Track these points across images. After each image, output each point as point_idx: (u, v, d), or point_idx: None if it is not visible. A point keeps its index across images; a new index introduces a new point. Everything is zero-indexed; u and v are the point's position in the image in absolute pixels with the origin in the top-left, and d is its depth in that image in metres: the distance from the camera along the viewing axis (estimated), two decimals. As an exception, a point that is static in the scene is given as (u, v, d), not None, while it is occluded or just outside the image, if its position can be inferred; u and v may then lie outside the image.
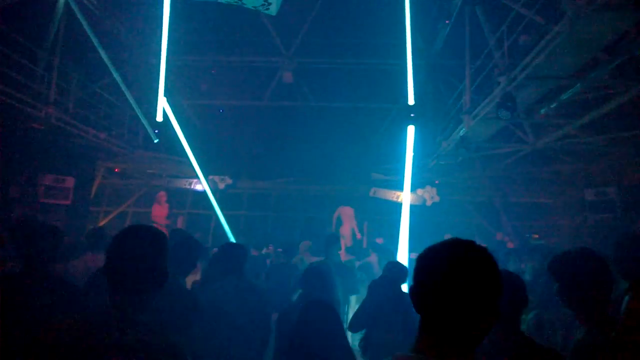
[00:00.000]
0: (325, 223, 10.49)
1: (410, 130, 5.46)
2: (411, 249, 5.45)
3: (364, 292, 4.02)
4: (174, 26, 6.83)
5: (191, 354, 1.43)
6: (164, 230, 3.38)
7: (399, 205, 5.81)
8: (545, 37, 4.84)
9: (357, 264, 6.37)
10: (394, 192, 10.69)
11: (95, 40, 7.51)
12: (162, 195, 10.64)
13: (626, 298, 1.31)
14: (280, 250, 6.25)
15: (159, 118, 6.82)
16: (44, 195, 8.12)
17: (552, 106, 6.67)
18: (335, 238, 5.58)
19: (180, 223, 11.45)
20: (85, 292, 2.58)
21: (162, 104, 6.78)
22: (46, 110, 7.25)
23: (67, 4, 7.52)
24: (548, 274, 1.94)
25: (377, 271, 5.59)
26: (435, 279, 0.95)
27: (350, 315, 3.94)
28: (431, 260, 0.99)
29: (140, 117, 8.41)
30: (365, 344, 3.45)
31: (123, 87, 8.15)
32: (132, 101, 8.33)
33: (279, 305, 3.23)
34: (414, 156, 5.55)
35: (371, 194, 11.08)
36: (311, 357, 2.25)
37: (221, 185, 11.02)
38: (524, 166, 9.63)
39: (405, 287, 3.88)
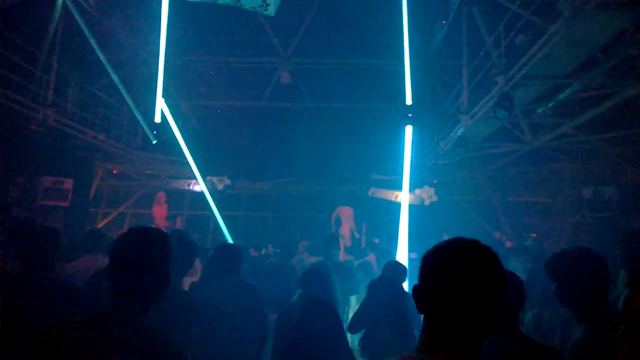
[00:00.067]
0: (324, 223, 10.51)
1: (408, 130, 5.48)
2: (410, 249, 5.47)
3: (363, 292, 4.03)
4: (172, 27, 6.84)
5: (190, 354, 1.44)
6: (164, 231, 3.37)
7: (397, 205, 5.83)
8: (542, 37, 4.85)
9: (356, 263, 6.39)
10: (392, 192, 10.71)
11: (93, 42, 7.51)
12: (162, 195, 10.67)
13: (625, 293, 1.31)
14: (277, 250, 6.26)
15: (157, 119, 6.83)
16: (43, 197, 8.11)
17: (549, 105, 6.70)
18: (335, 239, 5.59)
19: (179, 224, 11.47)
20: (84, 293, 2.58)
21: (161, 105, 6.79)
22: (44, 111, 7.24)
23: (65, 5, 7.51)
24: (545, 274, 1.94)
25: (376, 271, 5.61)
26: (440, 279, 0.95)
27: (350, 315, 3.94)
28: (436, 260, 0.98)
29: (138, 118, 8.41)
30: (364, 343, 3.45)
31: (121, 89, 8.15)
32: (130, 102, 8.33)
33: (277, 306, 3.23)
34: (412, 156, 5.58)
35: (370, 194, 11.09)
36: (310, 356, 2.25)
37: (220, 186, 11.03)
38: (521, 165, 9.64)
39: (405, 287, 3.90)
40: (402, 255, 5.30)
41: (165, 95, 6.96)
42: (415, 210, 8.51)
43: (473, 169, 10.05)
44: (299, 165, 11.09)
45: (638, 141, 7.30)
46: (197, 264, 3.80)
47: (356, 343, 3.58)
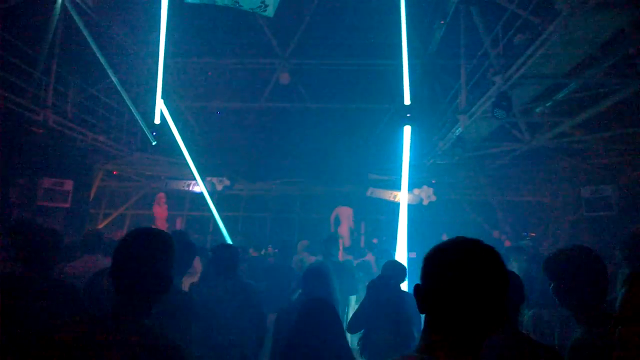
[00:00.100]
0: (323, 223, 10.53)
1: (407, 130, 5.49)
2: (409, 249, 5.48)
3: (363, 292, 4.02)
4: (171, 28, 6.85)
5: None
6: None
7: (396, 205, 5.85)
8: (540, 37, 4.86)
9: (355, 262, 6.41)
10: (390, 192, 10.73)
11: (93, 44, 7.54)
12: (162, 196, 10.71)
13: (622, 291, 1.29)
14: (276, 251, 6.28)
15: (157, 120, 6.85)
16: (43, 198, 8.13)
17: (547, 105, 6.71)
18: (335, 239, 5.60)
19: (179, 224, 11.50)
20: (84, 293, 2.59)
21: (160, 107, 6.81)
22: (45, 113, 7.26)
23: (64, 8, 7.53)
24: (544, 273, 1.92)
25: (375, 271, 5.62)
26: (444, 279, 0.94)
27: (350, 315, 3.94)
28: (439, 260, 0.98)
29: (138, 119, 8.43)
30: (363, 343, 3.45)
31: (121, 90, 8.17)
32: (130, 104, 8.36)
33: (276, 306, 3.24)
34: (410, 156, 5.58)
35: (368, 194, 11.12)
36: (310, 355, 2.24)
37: (219, 187, 11.06)
38: (520, 165, 9.64)
39: (404, 286, 3.89)
40: (402, 255, 5.30)
41: (164, 96, 6.98)
42: (414, 210, 8.52)
43: (471, 168, 10.06)
44: (298, 166, 11.11)
45: (636, 140, 7.31)
46: (198, 264, 3.82)
47: (355, 343, 3.58)
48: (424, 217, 9.79)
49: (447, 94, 8.94)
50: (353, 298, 5.37)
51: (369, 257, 6.59)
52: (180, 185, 11.62)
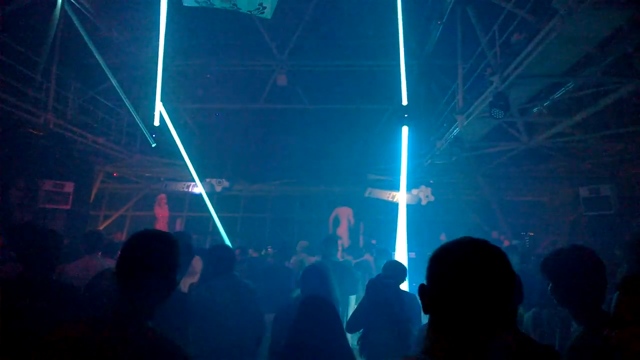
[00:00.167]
0: (322, 224, 10.55)
1: (405, 130, 5.51)
2: (408, 249, 5.49)
3: (362, 292, 4.03)
4: (170, 31, 6.88)
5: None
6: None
7: (394, 205, 5.86)
8: (537, 36, 4.85)
9: (354, 262, 6.42)
10: (389, 192, 10.75)
11: (92, 47, 7.56)
12: (163, 197, 10.75)
13: (616, 295, 1.30)
14: (275, 251, 6.29)
15: (157, 122, 6.88)
16: (44, 200, 8.17)
17: (545, 104, 6.72)
18: (333, 239, 5.61)
19: (178, 225, 11.52)
20: (85, 294, 2.61)
21: (159, 109, 6.84)
22: (45, 116, 7.29)
23: (64, 12, 7.56)
24: (542, 273, 1.91)
25: (374, 270, 5.63)
26: (451, 279, 0.93)
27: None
28: (446, 260, 0.97)
29: (137, 121, 8.45)
30: (362, 342, 3.45)
31: (120, 93, 8.20)
32: (129, 106, 8.38)
33: (274, 307, 3.26)
34: (408, 156, 5.59)
35: (367, 194, 11.14)
36: (309, 354, 2.22)
37: (218, 188, 11.09)
38: (518, 164, 9.65)
39: (404, 286, 3.89)
40: (401, 255, 5.31)
41: (163, 98, 7.01)
42: (412, 210, 8.55)
43: (470, 168, 10.07)
44: (297, 167, 11.13)
45: (635, 139, 7.32)
46: (197, 264, 3.83)
47: (355, 342, 3.59)
48: (422, 217, 9.80)
49: (445, 94, 8.95)
50: (353, 298, 5.38)
51: (368, 257, 6.61)
52: (180, 186, 11.65)
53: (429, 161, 9.61)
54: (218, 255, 3.12)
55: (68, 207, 8.51)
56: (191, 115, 11.61)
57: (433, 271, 0.98)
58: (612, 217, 8.49)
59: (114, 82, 8.10)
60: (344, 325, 3.39)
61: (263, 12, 5.95)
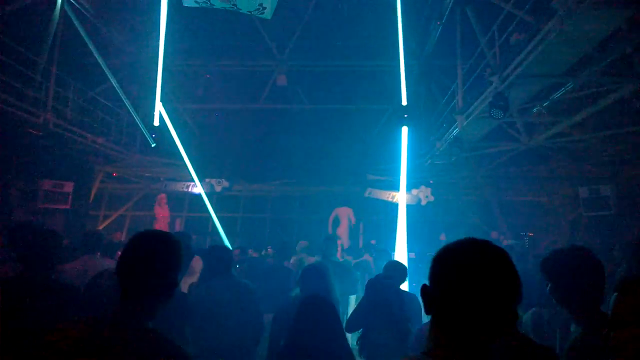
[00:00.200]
0: (322, 224, 10.55)
1: (404, 130, 5.51)
2: (408, 249, 5.49)
3: (362, 292, 4.03)
4: (170, 31, 6.89)
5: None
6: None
7: (394, 205, 5.87)
8: (537, 36, 4.85)
9: (353, 262, 6.42)
10: (388, 192, 10.76)
11: (92, 47, 7.58)
12: (163, 197, 10.75)
13: (613, 296, 1.29)
14: (274, 251, 6.28)
15: (156, 122, 6.89)
16: (44, 200, 8.17)
17: (544, 105, 6.72)
18: (333, 240, 5.61)
19: (178, 226, 11.52)
20: (85, 294, 2.61)
21: (159, 109, 6.84)
22: (44, 116, 7.29)
23: (64, 12, 7.57)
24: (541, 274, 1.90)
25: (374, 270, 5.62)
26: (455, 281, 0.92)
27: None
28: (450, 261, 0.96)
29: (137, 121, 8.46)
30: (362, 342, 3.45)
31: (120, 93, 8.21)
32: (129, 106, 8.39)
33: (272, 307, 3.26)
34: (408, 156, 5.60)
35: (366, 194, 11.15)
36: (308, 353, 2.21)
37: (218, 188, 11.09)
38: (518, 164, 9.66)
39: (404, 287, 3.89)
40: (401, 255, 5.31)
41: (163, 99, 7.01)
42: (412, 210, 8.56)
43: (469, 168, 10.08)
44: (296, 167, 11.13)
45: (634, 139, 7.33)
46: (197, 264, 3.84)
47: (354, 342, 3.58)
48: (422, 217, 9.81)
49: (444, 94, 8.96)
50: (353, 298, 5.38)
51: (367, 257, 6.61)
52: (179, 186, 11.65)
53: (429, 161, 9.62)
54: (217, 255, 3.13)
55: (67, 207, 8.51)
56: (191, 115, 11.61)
57: (436, 272, 0.97)
58: (612, 217, 8.50)
59: (114, 82, 8.11)
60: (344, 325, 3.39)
61: (263, 13, 5.96)
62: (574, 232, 9.67)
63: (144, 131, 8.29)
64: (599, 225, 8.75)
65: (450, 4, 7.63)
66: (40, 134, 7.56)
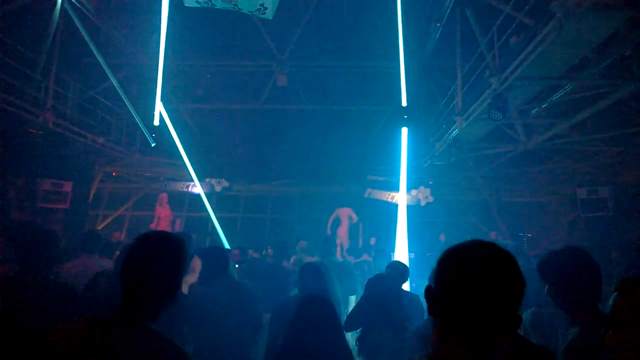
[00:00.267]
0: (322, 224, 10.55)
1: (404, 131, 5.53)
2: (408, 249, 5.50)
3: (361, 291, 4.03)
4: (170, 31, 6.90)
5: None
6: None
7: (393, 206, 5.88)
8: (535, 39, 4.86)
9: (353, 262, 6.43)
10: (388, 193, 10.78)
11: (92, 46, 7.57)
12: (164, 197, 10.75)
13: (613, 296, 1.30)
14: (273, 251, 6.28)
15: (156, 122, 6.90)
16: (42, 199, 8.15)
17: (543, 106, 6.73)
18: (332, 241, 5.63)
19: (178, 226, 11.52)
20: (83, 294, 2.61)
21: (159, 109, 6.85)
22: (44, 115, 7.29)
23: (64, 11, 7.57)
24: (538, 275, 1.91)
25: (374, 270, 5.63)
26: (459, 283, 0.92)
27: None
28: (455, 264, 0.95)
29: (137, 121, 8.46)
30: (361, 342, 3.45)
31: (120, 92, 8.21)
32: (129, 106, 8.39)
33: (270, 307, 3.27)
34: (408, 157, 5.62)
35: (366, 195, 11.16)
36: (307, 352, 2.21)
37: (218, 188, 11.10)
38: (516, 165, 9.68)
39: (406, 287, 3.89)
40: (401, 255, 5.32)
41: (163, 98, 7.02)
42: (411, 210, 8.57)
43: (468, 169, 10.10)
44: (296, 167, 11.15)
45: (632, 141, 7.35)
46: (197, 264, 3.85)
47: (353, 342, 3.59)
48: (421, 218, 9.83)
49: (444, 95, 8.98)
50: (352, 298, 5.39)
51: (366, 257, 6.62)
52: (179, 186, 11.66)
53: (428, 162, 9.63)
54: (215, 255, 3.16)
55: (66, 206, 8.50)
56: (191, 115, 11.61)
57: (441, 274, 0.97)
58: (609, 218, 8.53)
59: (114, 81, 8.11)
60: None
61: (264, 13, 5.97)
62: (572, 232, 9.69)
63: (144, 131, 8.30)
64: (597, 226, 8.77)
65: (450, 5, 7.64)
66: (40, 133, 7.55)
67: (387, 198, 10.72)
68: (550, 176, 10.23)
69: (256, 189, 12.30)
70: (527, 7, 5.30)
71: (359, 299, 4.42)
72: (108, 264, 3.51)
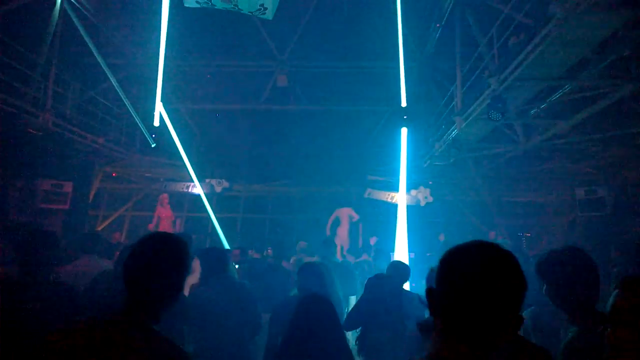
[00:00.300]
0: (322, 224, 10.56)
1: (404, 132, 5.54)
2: (408, 249, 5.51)
3: (361, 291, 4.03)
4: (170, 31, 6.90)
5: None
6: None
7: (393, 206, 5.89)
8: (535, 39, 4.87)
9: (352, 262, 6.43)
10: (388, 193, 10.78)
11: (92, 46, 7.58)
12: (165, 197, 10.74)
13: (613, 294, 1.31)
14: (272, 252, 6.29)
15: (156, 123, 6.90)
16: (42, 200, 8.16)
17: (542, 107, 6.74)
18: (332, 241, 5.63)
19: (178, 226, 11.51)
20: (84, 295, 2.62)
21: (159, 109, 6.86)
22: (44, 116, 7.28)
23: (63, 11, 7.57)
24: (536, 275, 1.91)
25: (374, 270, 5.64)
26: (461, 284, 0.92)
27: (350, 315, 3.93)
28: (457, 264, 0.95)
29: (137, 121, 8.47)
30: (361, 342, 3.45)
31: (120, 93, 8.21)
32: (129, 106, 8.39)
33: (269, 307, 3.28)
34: (407, 157, 5.63)
35: (366, 195, 11.17)
36: (306, 352, 2.21)
37: (218, 189, 11.11)
38: (515, 166, 9.70)
39: (406, 287, 3.89)
40: (402, 255, 5.32)
41: (163, 99, 7.03)
42: (411, 210, 8.58)
43: (468, 169, 10.10)
44: (296, 167, 11.15)
45: (630, 141, 7.36)
46: (197, 264, 3.86)
47: (353, 342, 3.59)
48: (421, 218, 9.83)
49: (444, 95, 8.99)
50: (353, 298, 5.40)
51: (365, 257, 6.62)
52: (179, 187, 11.65)
53: (428, 162, 9.64)
54: (214, 256, 3.17)
55: (66, 207, 8.50)
56: (191, 116, 11.61)
57: (443, 274, 0.96)
58: (608, 218, 8.54)
59: (114, 81, 8.12)
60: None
61: (264, 13, 5.97)
62: (571, 232, 9.70)
63: (144, 131, 8.30)
64: (595, 226, 8.78)
65: (450, 6, 7.66)
66: (40, 133, 7.55)
67: (387, 198, 10.73)
68: (550, 176, 10.24)
69: (256, 189, 12.30)
70: (526, 8, 5.30)
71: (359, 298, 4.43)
72: (108, 264, 3.52)
